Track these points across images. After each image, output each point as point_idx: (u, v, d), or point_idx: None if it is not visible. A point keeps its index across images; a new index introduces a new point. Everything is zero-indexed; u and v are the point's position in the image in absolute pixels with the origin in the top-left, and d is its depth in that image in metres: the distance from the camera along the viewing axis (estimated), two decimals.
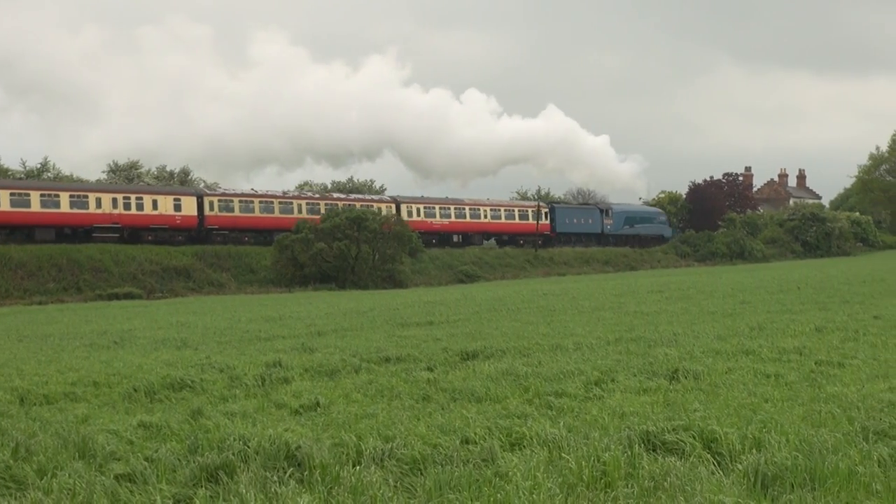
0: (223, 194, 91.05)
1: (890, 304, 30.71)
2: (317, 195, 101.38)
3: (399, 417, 13.45)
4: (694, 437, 11.02)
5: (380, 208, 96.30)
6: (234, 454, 10.96)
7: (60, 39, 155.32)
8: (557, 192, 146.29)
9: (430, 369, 18.68)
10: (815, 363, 17.27)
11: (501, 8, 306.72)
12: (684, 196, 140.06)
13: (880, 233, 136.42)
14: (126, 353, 24.28)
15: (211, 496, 9.73)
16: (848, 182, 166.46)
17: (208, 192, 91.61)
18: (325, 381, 17.81)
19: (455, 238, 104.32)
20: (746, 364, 17.43)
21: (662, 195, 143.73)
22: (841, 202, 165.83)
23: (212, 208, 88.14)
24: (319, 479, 10.10)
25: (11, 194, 77.46)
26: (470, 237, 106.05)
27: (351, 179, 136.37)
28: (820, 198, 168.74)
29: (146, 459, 11.26)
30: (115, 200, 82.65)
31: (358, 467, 10.34)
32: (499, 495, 9.25)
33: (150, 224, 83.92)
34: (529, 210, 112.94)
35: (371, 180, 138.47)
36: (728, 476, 9.79)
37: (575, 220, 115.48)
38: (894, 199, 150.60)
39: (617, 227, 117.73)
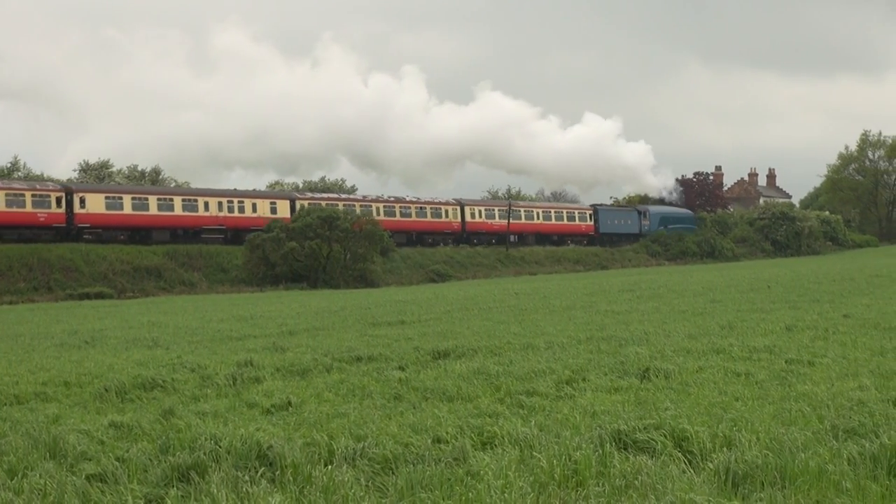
0: (311, 197, 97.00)
1: (859, 303, 30.88)
2: (392, 198, 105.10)
3: (371, 417, 13.45)
4: (665, 436, 11.06)
5: (447, 210, 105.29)
6: (205, 454, 10.93)
7: (27, 39, 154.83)
8: (529, 191, 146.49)
9: (401, 368, 18.67)
10: (786, 362, 17.35)
11: (468, 9, 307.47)
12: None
13: (850, 232, 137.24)
14: (97, 353, 24.18)
15: (182, 496, 9.70)
16: (818, 181, 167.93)
17: (299, 195, 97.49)
18: (297, 381, 17.79)
19: (512, 238, 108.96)
20: (717, 363, 17.49)
21: (634, 195, 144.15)
22: (811, 201, 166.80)
23: (302, 210, 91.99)
24: (291, 478, 10.10)
25: (133, 199, 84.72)
26: (525, 237, 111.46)
27: (323, 179, 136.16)
28: (790, 197, 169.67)
29: (117, 459, 11.22)
30: (220, 204, 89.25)
31: (330, 467, 10.33)
32: (470, 494, 9.26)
33: (250, 226, 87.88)
34: (577, 212, 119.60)
35: (342, 179, 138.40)
36: (699, 474, 9.82)
37: (616, 222, 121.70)
38: (863, 197, 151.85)
39: (653, 227, 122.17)
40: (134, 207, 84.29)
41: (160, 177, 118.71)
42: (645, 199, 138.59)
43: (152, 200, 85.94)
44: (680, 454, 10.55)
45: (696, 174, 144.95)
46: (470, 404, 14.36)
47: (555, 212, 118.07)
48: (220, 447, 11.19)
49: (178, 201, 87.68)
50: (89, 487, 10.12)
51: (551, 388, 15.48)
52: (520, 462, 10.44)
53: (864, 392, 13.85)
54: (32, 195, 79.30)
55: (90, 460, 11.43)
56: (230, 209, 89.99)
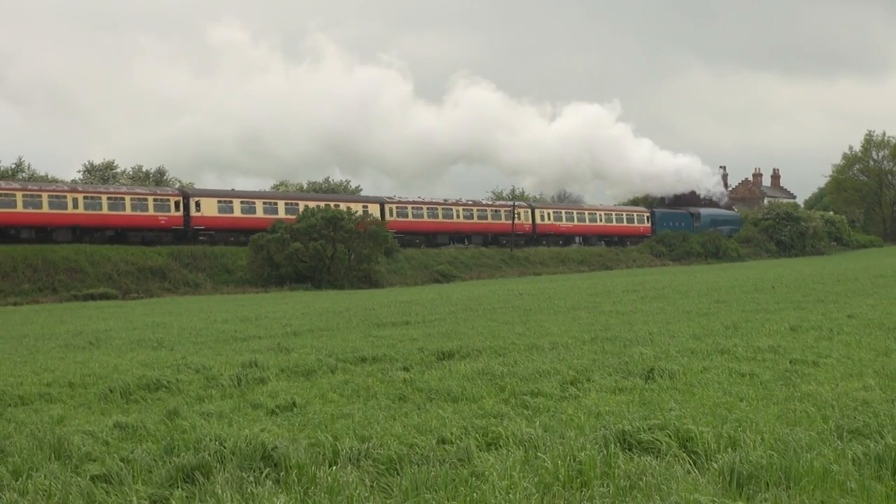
0: (399, 202, 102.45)
1: (864, 303, 30.83)
2: (470, 202, 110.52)
3: (375, 417, 13.45)
4: (669, 437, 11.05)
5: (519, 212, 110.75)
6: (210, 455, 10.94)
7: (32, 41, 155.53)
8: (530, 192, 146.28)
9: (406, 369, 18.67)
10: (790, 362, 17.33)
11: (469, 11, 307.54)
12: (660, 196, 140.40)
13: (854, 232, 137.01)
14: (102, 354, 24.19)
15: (187, 497, 9.71)
16: (822, 181, 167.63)
17: (388, 199, 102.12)
18: (302, 382, 17.78)
19: (577, 240, 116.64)
20: (722, 363, 17.48)
21: (641, 195, 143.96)
22: (815, 202, 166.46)
23: (391, 214, 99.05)
24: (296, 479, 10.10)
25: (242, 202, 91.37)
26: (588, 238, 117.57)
27: (327, 180, 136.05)
28: (794, 197, 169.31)
29: (122, 460, 11.23)
30: (318, 207, 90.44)
31: (334, 467, 10.34)
32: (475, 495, 9.26)
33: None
34: (636, 214, 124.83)
35: (347, 180, 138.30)
36: (703, 475, 9.82)
37: (670, 223, 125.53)
38: (867, 198, 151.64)
39: (704, 228, 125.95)
40: (242, 210, 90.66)
41: (164, 177, 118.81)
42: (650, 199, 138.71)
43: (259, 204, 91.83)
44: (684, 454, 10.54)
45: None
46: (474, 405, 14.36)
47: (616, 214, 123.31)
48: (224, 448, 11.19)
49: (281, 205, 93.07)
50: (94, 488, 10.14)
51: (556, 388, 15.47)
52: (524, 463, 10.44)
53: (869, 392, 13.83)
54: (154, 199, 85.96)
55: (95, 461, 11.45)
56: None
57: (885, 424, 11.42)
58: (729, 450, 10.46)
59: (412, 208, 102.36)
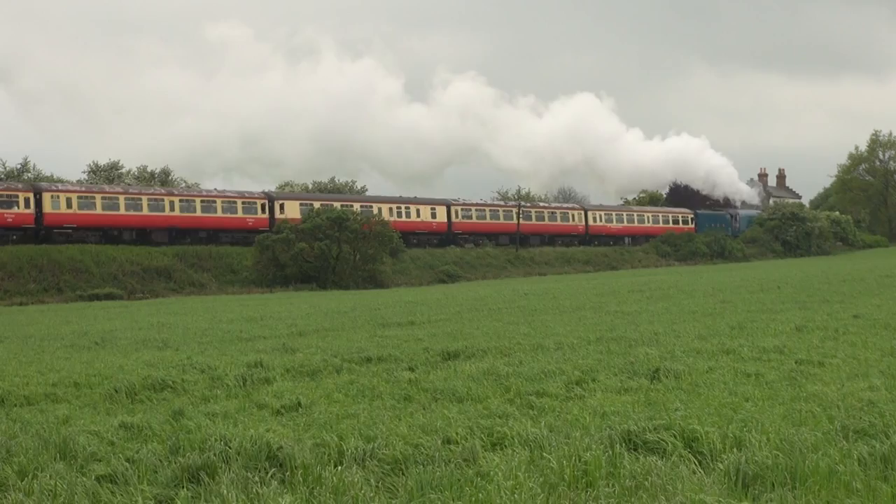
0: (464, 204, 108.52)
1: (869, 304, 30.82)
2: (527, 204, 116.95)
3: (380, 417, 13.44)
4: (675, 437, 11.04)
5: (573, 214, 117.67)
6: (215, 455, 10.94)
7: (38, 42, 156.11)
8: (535, 192, 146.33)
9: (411, 369, 18.67)
10: (796, 362, 17.33)
11: (472, 11, 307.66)
12: (665, 196, 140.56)
13: (860, 232, 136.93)
14: (107, 354, 24.20)
15: (192, 497, 9.71)
16: (827, 181, 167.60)
17: (454, 201, 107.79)
18: (307, 382, 17.78)
19: (626, 240, 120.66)
20: (727, 363, 17.47)
21: (644, 195, 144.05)
22: (821, 202, 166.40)
23: (457, 216, 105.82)
24: (301, 479, 10.11)
25: (322, 205, 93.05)
26: (637, 238, 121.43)
27: (333, 179, 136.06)
28: (800, 197, 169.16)
29: (127, 460, 11.23)
30: (391, 209, 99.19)
31: (340, 467, 10.34)
32: (480, 495, 9.26)
33: (414, 229, 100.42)
34: (680, 216, 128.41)
35: (352, 180, 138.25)
36: (709, 475, 9.81)
37: (712, 224, 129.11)
38: (873, 198, 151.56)
39: (742, 229, 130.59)
40: None
41: (169, 178, 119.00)
42: (655, 198, 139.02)
43: (336, 206, 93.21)
44: (690, 455, 10.53)
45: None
46: (480, 405, 14.35)
47: (662, 216, 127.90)
48: (230, 448, 11.19)
49: (355, 207, 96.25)
50: (99, 488, 10.14)
51: (561, 388, 15.47)
52: (530, 463, 10.44)
53: (875, 392, 13.82)
54: (242, 202, 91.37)
55: (100, 461, 11.44)
56: (398, 214, 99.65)
57: (890, 425, 11.41)
58: (734, 450, 10.45)
59: (476, 210, 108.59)
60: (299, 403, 14.94)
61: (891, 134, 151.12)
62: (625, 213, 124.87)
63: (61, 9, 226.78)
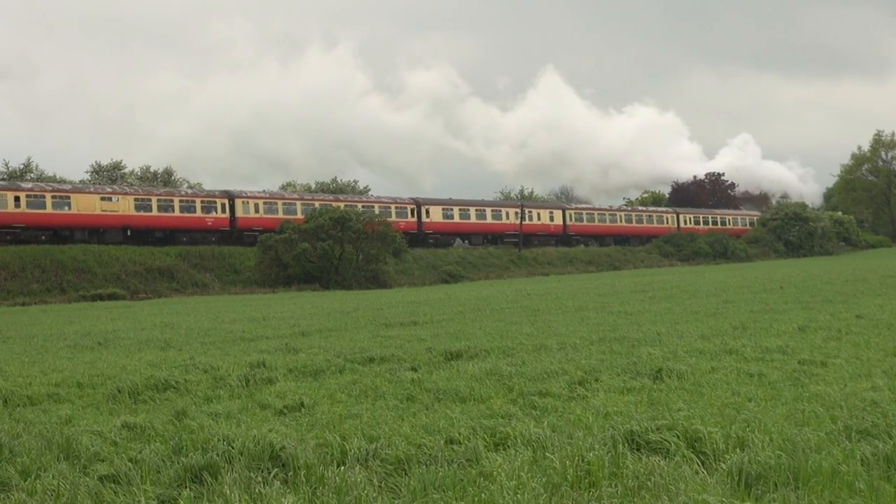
0: (577, 208, 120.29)
1: (872, 304, 30.80)
2: (629, 208, 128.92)
3: (383, 418, 13.45)
4: (678, 437, 11.04)
5: (667, 217, 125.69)
6: (218, 455, 10.95)
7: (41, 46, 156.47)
8: (540, 192, 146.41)
9: (414, 369, 18.66)
10: (799, 362, 17.31)
11: (470, 12, 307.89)
12: (667, 196, 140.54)
13: (862, 232, 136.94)
14: (110, 354, 24.22)
15: (195, 497, 9.71)
16: (830, 181, 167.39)
17: (568, 206, 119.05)
18: (310, 382, 17.78)
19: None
20: (730, 363, 17.46)
21: (646, 195, 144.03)
22: (823, 202, 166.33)
23: (571, 219, 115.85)
24: (304, 479, 10.10)
25: (460, 210, 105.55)
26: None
27: (335, 180, 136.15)
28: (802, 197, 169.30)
29: (130, 460, 11.24)
30: (516, 213, 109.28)
31: (342, 467, 10.34)
32: (483, 495, 9.25)
33: (535, 231, 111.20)
34: (740, 217, 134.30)
35: (355, 181, 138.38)
36: (712, 475, 9.81)
37: None
38: (876, 198, 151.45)
39: None
40: (460, 216, 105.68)
41: (171, 178, 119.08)
42: (658, 199, 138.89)
43: (455, 211, 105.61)
44: (693, 455, 10.52)
45: (707, 174, 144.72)
46: (482, 405, 14.35)
47: (731, 217, 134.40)
48: (232, 448, 11.20)
49: (471, 212, 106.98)
50: (102, 488, 10.15)
51: (564, 388, 15.46)
52: (532, 463, 10.43)
53: (878, 392, 13.81)
54: (396, 207, 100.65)
55: (103, 461, 11.45)
56: (517, 217, 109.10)
57: (893, 425, 11.39)
58: (737, 450, 10.44)
59: (586, 213, 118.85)
60: (302, 403, 14.95)
61: (893, 134, 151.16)
62: (710, 216, 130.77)
63: (65, 11, 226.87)
